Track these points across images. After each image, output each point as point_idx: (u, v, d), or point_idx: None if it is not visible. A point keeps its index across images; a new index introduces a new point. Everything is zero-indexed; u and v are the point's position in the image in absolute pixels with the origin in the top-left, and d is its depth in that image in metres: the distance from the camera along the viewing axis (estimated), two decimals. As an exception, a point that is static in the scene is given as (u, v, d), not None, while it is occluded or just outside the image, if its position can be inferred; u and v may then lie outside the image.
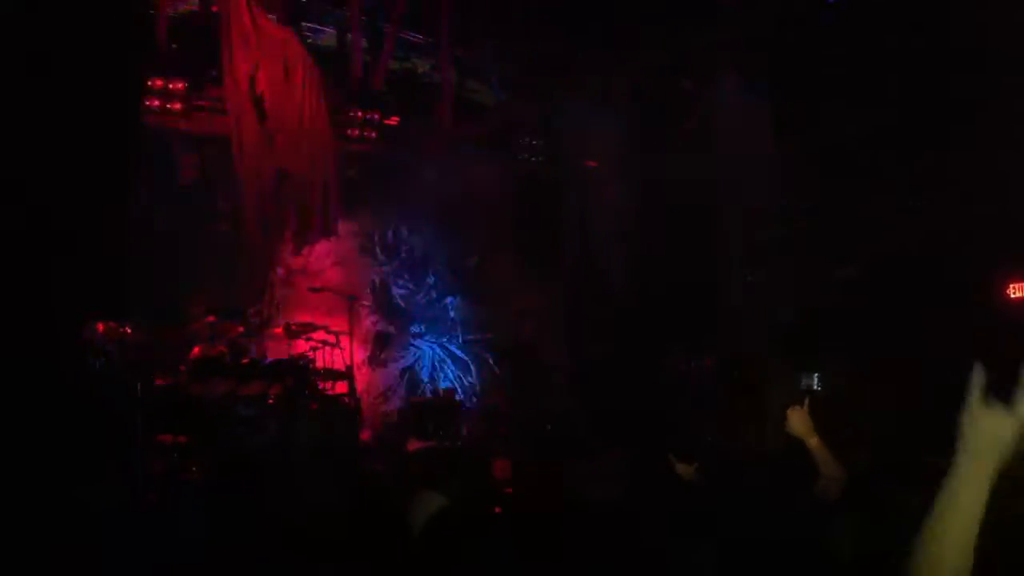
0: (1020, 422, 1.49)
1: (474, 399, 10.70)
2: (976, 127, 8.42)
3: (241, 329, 8.19)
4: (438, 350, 10.89)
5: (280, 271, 9.75)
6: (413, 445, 8.20)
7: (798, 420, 3.04)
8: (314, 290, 9.15)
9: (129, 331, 7.13)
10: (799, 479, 2.97)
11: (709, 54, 9.58)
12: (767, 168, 10.28)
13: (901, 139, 9.16)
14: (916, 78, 8.58)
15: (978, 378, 1.52)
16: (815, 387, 5.67)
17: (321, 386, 8.10)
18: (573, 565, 2.43)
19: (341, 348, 8.45)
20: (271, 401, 7.26)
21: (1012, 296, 9.25)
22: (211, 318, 7.89)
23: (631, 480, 3.28)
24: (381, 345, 10.39)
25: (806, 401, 3.10)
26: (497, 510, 3.55)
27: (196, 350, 7.56)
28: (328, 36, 9.13)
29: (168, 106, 8.44)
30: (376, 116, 9.44)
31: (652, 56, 9.60)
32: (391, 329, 10.55)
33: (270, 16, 8.30)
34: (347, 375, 8.43)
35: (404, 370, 10.58)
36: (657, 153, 10.32)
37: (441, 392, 10.29)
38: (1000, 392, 1.51)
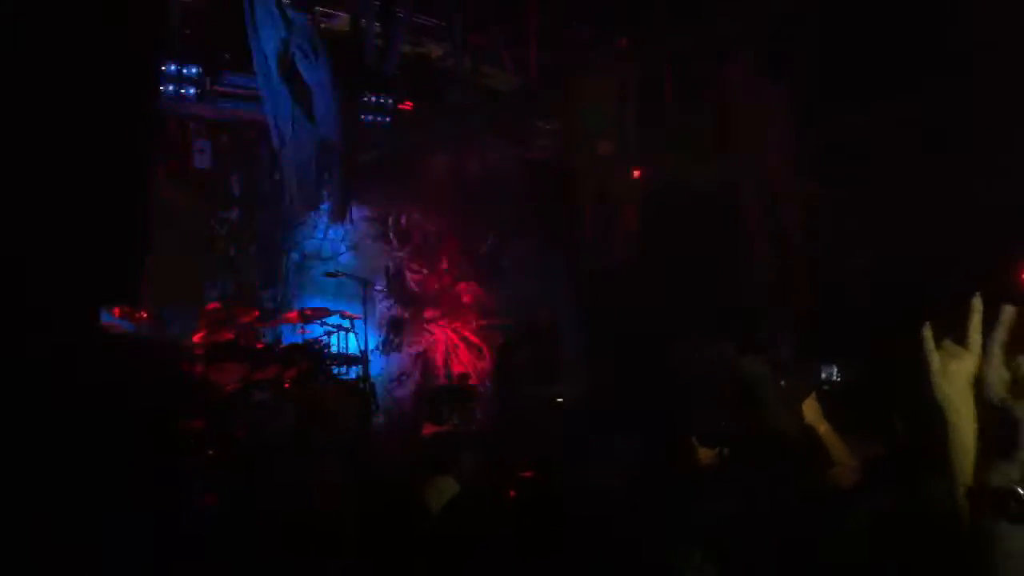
0: (976, 354, 1.45)
1: (488, 384, 10.70)
2: (994, 113, 8.34)
3: (256, 314, 8.22)
4: (452, 335, 10.89)
5: (294, 256, 9.77)
6: (428, 430, 8.21)
7: (808, 408, 3.08)
8: (329, 275, 9.15)
9: (145, 315, 7.17)
10: (812, 467, 2.97)
11: (727, 39, 9.48)
12: (786, 154, 10.21)
13: (919, 126, 9.09)
14: (936, 65, 8.48)
15: (928, 335, 1.48)
16: (835, 377, 5.62)
17: (335, 371, 8.12)
18: (577, 553, 2.41)
19: (356, 333, 8.47)
20: (287, 385, 7.28)
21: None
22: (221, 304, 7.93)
23: (643, 467, 3.26)
24: (395, 330, 10.40)
25: (815, 389, 3.14)
26: (512, 494, 3.54)
27: (210, 334, 7.59)
28: (341, 21, 9.07)
29: (182, 92, 8.43)
30: (389, 101, 9.39)
31: (670, 40, 9.52)
32: (405, 314, 10.56)
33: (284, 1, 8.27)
34: (362, 360, 8.45)
35: (418, 355, 10.58)
36: (675, 139, 10.25)
37: (456, 377, 10.30)
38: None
